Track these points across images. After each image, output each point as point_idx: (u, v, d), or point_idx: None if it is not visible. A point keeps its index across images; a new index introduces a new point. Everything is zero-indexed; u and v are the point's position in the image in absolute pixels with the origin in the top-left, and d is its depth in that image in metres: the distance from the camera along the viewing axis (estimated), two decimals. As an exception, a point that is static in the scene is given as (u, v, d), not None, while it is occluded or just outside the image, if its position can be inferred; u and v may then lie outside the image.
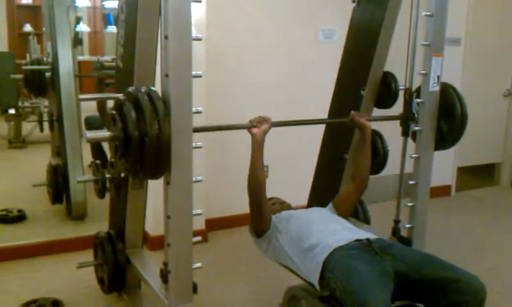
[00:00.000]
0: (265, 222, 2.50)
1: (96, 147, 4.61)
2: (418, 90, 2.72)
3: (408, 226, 2.82)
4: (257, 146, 2.38)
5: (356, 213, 3.11)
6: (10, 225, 4.06)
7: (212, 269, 3.43)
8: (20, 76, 4.44)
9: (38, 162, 4.74)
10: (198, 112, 2.05)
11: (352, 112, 2.71)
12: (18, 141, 5.57)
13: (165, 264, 2.20)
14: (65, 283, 3.22)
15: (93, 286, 3.11)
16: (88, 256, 3.16)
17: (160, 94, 2.03)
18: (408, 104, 2.73)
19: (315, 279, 2.23)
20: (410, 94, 2.71)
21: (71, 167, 4.08)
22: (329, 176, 3.10)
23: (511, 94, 6.00)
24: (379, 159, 2.95)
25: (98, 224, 3.32)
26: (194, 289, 2.21)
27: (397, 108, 2.83)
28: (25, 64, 4.44)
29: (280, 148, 4.26)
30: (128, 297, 2.98)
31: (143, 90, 2.02)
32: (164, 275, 2.21)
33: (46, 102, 4.78)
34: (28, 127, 5.75)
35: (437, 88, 2.68)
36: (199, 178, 2.12)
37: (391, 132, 2.94)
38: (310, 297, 2.57)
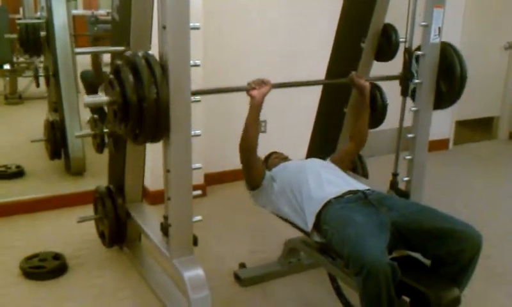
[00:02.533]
0: (257, 178, 2.51)
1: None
2: (418, 49, 2.70)
3: (406, 179, 2.84)
4: (255, 109, 2.37)
5: (355, 167, 3.13)
6: (9, 181, 4.08)
7: (211, 223, 3.47)
8: (14, 35, 4.39)
9: (35, 117, 4.71)
10: (195, 65, 2.03)
11: (352, 72, 2.71)
12: (14, 97, 5.51)
13: (165, 217, 2.22)
14: (66, 237, 3.26)
15: (94, 240, 3.14)
16: (87, 210, 3.18)
17: (158, 54, 2.01)
18: (407, 63, 2.71)
19: (309, 229, 2.26)
20: (410, 54, 2.69)
21: (68, 122, 4.06)
22: (328, 131, 3.10)
23: (511, 48, 5.94)
24: (378, 113, 2.95)
25: (97, 179, 3.32)
26: (195, 241, 2.23)
27: (397, 60, 2.80)
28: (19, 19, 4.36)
29: (278, 101, 4.24)
30: (129, 250, 3.02)
31: (140, 54, 1.99)
32: (165, 229, 2.23)
33: (41, 57, 4.72)
34: (24, 83, 5.69)
35: (438, 40, 2.65)
36: (198, 132, 2.12)
37: (390, 85, 2.92)
38: (308, 248, 2.61)
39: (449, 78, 2.71)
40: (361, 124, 2.72)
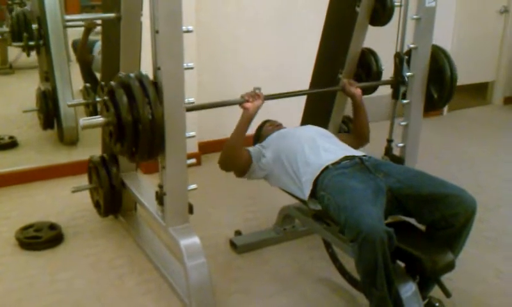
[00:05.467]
0: (244, 167, 2.48)
1: (86, 70, 4.53)
2: (409, 54, 2.73)
3: (400, 145, 2.84)
4: (246, 120, 2.38)
5: (348, 131, 3.12)
6: (2, 151, 4.05)
7: (206, 191, 3.47)
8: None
9: (27, 87, 4.66)
10: (188, 31, 2.02)
11: (344, 80, 2.74)
12: (4, 67, 5.43)
13: (160, 186, 2.22)
14: (61, 207, 3.25)
15: (89, 210, 3.14)
16: (82, 180, 3.18)
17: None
18: (398, 68, 2.74)
19: (306, 197, 2.27)
20: (401, 59, 2.72)
21: (60, 91, 4.02)
22: (323, 97, 3.08)
23: (507, 11, 5.89)
24: (373, 79, 2.93)
25: (90, 149, 3.30)
26: (190, 209, 2.24)
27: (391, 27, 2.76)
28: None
29: (271, 68, 4.22)
30: (124, 219, 3.03)
31: (133, 75, 2.02)
32: (160, 197, 2.23)
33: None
34: (14, 52, 5.61)
35: (433, 4, 2.62)
36: (191, 99, 2.11)
37: (385, 51, 2.90)
38: (303, 215, 2.62)
39: (440, 82, 2.77)
40: (358, 125, 2.72)
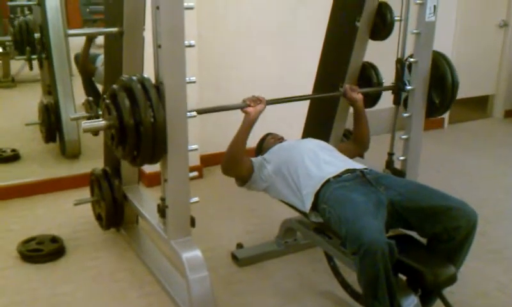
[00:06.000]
0: (246, 175, 2.50)
1: (88, 82, 4.56)
2: (410, 57, 2.75)
3: (401, 158, 2.85)
4: (248, 125, 2.37)
5: (350, 141, 3.13)
6: (4, 164, 4.06)
7: (208, 204, 3.47)
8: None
9: (29, 101, 4.68)
10: (190, 46, 2.03)
11: (346, 85, 2.74)
12: (7, 80, 5.46)
13: (162, 199, 2.23)
14: (63, 220, 3.26)
15: (91, 223, 3.15)
16: (84, 193, 3.19)
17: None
18: (399, 73, 2.75)
19: (307, 209, 2.27)
20: (402, 64, 2.74)
21: (63, 105, 4.04)
22: (324, 109, 3.09)
23: (506, 25, 5.92)
24: (373, 92, 2.94)
25: (92, 162, 3.31)
26: (192, 222, 2.24)
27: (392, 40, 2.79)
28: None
29: (273, 81, 4.23)
30: (126, 232, 3.03)
31: (135, 78, 2.03)
32: (162, 210, 2.24)
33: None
34: (17, 66, 5.64)
35: (433, 19, 2.65)
36: (193, 113, 2.12)
37: (385, 64, 2.92)
38: (305, 228, 2.63)
39: (441, 87, 2.78)
40: (359, 132, 2.73)
